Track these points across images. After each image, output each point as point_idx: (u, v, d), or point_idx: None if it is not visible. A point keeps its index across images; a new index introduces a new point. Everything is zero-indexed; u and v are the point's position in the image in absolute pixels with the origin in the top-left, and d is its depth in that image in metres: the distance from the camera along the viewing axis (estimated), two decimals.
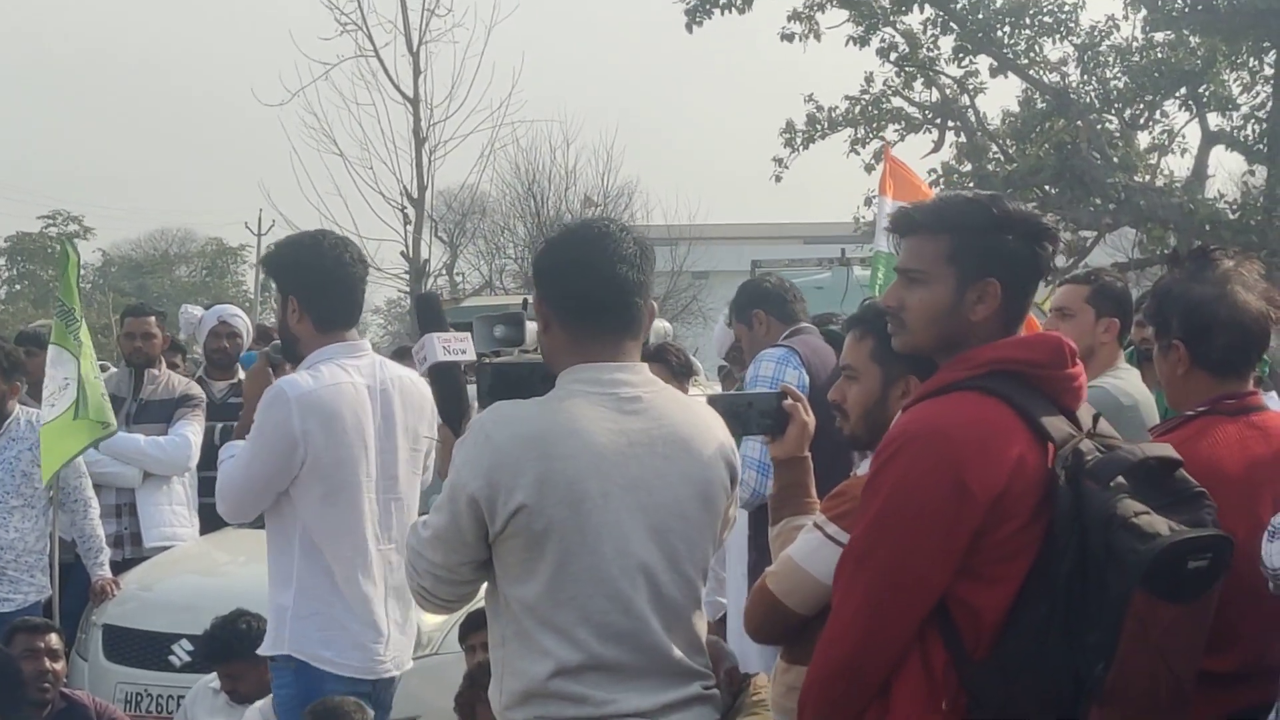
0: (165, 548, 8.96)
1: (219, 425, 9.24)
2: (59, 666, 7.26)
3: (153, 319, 9.56)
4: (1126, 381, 5.70)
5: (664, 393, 3.88)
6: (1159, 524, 3.33)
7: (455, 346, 4.22)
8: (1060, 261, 24.70)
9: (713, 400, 4.17)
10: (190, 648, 7.74)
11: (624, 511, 3.68)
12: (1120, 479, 3.37)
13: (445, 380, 4.23)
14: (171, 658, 7.87)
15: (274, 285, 5.64)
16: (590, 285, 3.77)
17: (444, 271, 41.53)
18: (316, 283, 5.50)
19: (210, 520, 8.90)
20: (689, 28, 25.85)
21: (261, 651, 5.58)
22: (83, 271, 42.05)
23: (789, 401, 4.21)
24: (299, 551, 5.42)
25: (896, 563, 3.41)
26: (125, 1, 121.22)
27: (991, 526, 3.37)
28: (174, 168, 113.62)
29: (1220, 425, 4.04)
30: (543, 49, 72.21)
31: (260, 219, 53.91)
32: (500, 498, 3.62)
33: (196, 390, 9.37)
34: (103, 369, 9.43)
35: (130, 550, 8.98)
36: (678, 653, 3.75)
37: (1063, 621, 3.33)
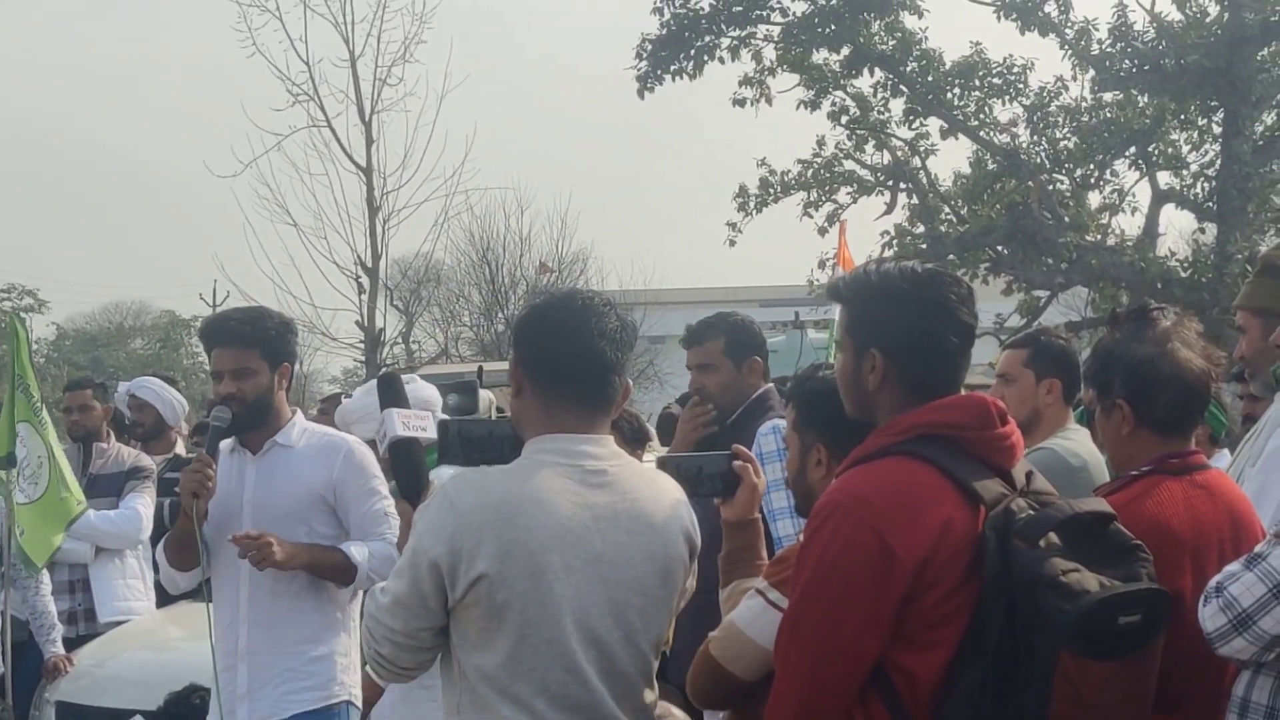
0: (120, 622, 8.91)
1: (167, 501, 9.18)
2: None
3: (89, 391, 9.56)
4: (1075, 442, 5.70)
5: (629, 467, 3.89)
6: (1089, 581, 3.35)
7: (415, 423, 4.25)
8: (1015, 321, 24.83)
9: (662, 462, 4.19)
10: None
11: (584, 585, 3.69)
12: (1052, 536, 3.39)
13: (404, 456, 4.25)
14: None
15: (253, 353, 5.68)
16: (569, 355, 3.79)
17: (400, 340, 41.50)
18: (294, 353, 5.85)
19: (164, 594, 8.86)
20: (640, 94, 25.97)
21: (311, 706, 5.66)
22: (35, 345, 41.85)
23: (739, 463, 4.23)
24: (348, 597, 5.73)
25: (827, 631, 3.42)
26: (76, 76, 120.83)
27: (920, 592, 3.38)
28: (128, 241, 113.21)
29: (1165, 485, 4.06)
30: (495, 117, 72.69)
31: (215, 290, 53.73)
32: (462, 565, 3.62)
33: (146, 461, 9.33)
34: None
35: (84, 626, 8.93)
36: None
37: (995, 685, 3.34)
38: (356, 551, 5.61)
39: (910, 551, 3.37)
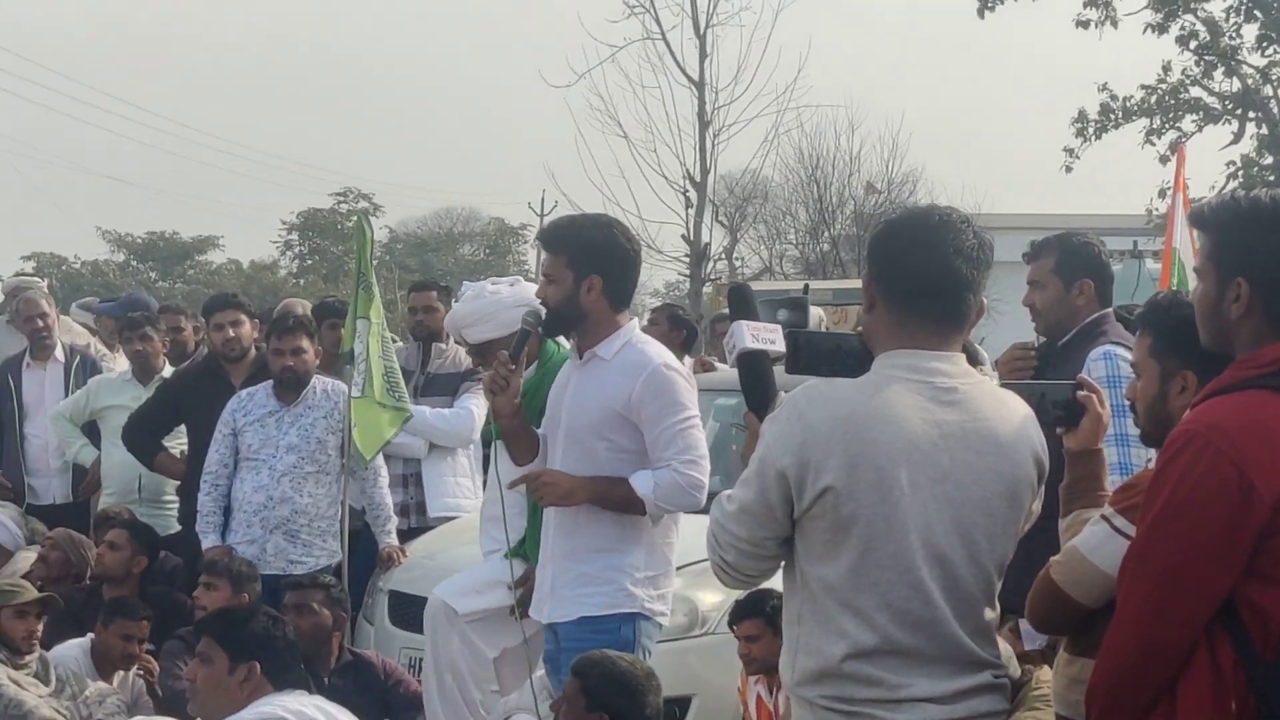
0: (449, 518, 9.15)
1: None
2: (339, 614, 7.52)
3: (434, 293, 9.77)
4: None
5: (980, 385, 3.85)
6: None
7: (765, 336, 4.25)
8: None
9: (1006, 387, 4.13)
10: None
11: (931, 502, 3.67)
12: None
13: (753, 368, 4.25)
14: None
15: (560, 260, 5.72)
16: (924, 271, 3.75)
17: (723, 256, 41.67)
18: (622, 264, 5.77)
19: None
20: (980, 13, 25.63)
21: (591, 611, 5.76)
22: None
23: (1083, 393, 4.15)
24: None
25: (1177, 563, 3.37)
26: None
27: (1278, 527, 3.30)
28: (461, 150, 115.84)
29: None
30: (829, 34, 72.19)
31: (543, 199, 54.71)
32: (809, 476, 3.63)
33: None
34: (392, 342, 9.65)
35: (415, 519, 9.19)
36: (970, 642, 3.73)
37: None
38: (641, 484, 5.64)
39: (1270, 486, 3.29)
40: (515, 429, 5.81)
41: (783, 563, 3.85)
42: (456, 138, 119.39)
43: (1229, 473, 3.31)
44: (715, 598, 7.46)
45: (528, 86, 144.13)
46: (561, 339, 6.57)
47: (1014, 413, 3.87)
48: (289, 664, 5.55)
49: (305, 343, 8.42)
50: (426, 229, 76.21)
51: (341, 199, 69.23)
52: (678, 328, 11.20)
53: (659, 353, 5.75)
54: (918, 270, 3.75)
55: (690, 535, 5.89)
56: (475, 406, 9.15)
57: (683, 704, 7.33)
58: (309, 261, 69.36)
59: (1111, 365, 5.95)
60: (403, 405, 8.58)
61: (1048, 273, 6.38)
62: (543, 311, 5.77)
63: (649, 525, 5.74)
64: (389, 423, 8.46)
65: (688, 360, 11.23)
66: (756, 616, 6.57)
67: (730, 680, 7.15)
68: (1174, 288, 9.16)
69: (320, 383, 8.56)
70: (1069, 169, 28.00)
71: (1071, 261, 6.35)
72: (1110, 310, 6.37)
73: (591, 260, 5.70)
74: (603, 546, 5.73)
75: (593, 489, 5.67)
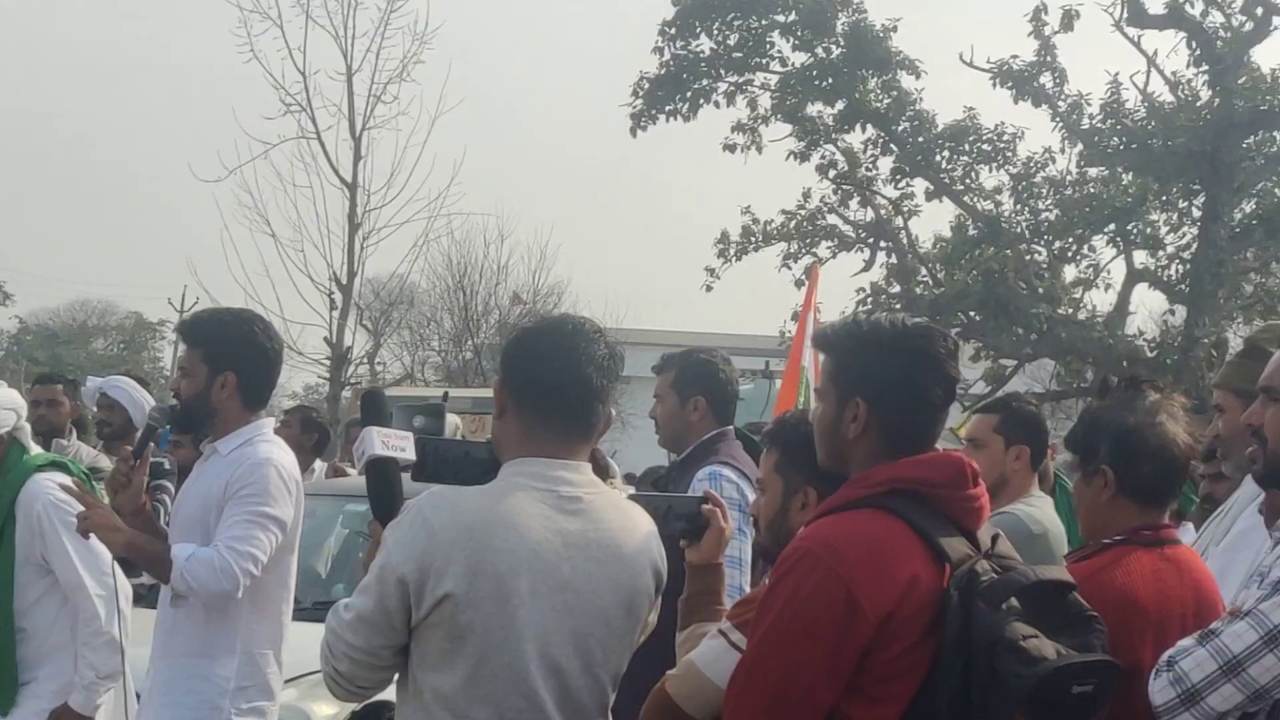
0: None
1: None
2: None
3: (59, 387, 9.50)
4: (1038, 509, 5.72)
5: (604, 495, 3.87)
6: (1046, 648, 3.35)
7: (395, 443, 4.19)
8: (980, 389, 24.93)
9: (633, 499, 4.17)
10: None
11: (549, 612, 3.66)
12: (1013, 601, 3.40)
13: (380, 474, 4.19)
14: None
15: (195, 354, 5.57)
16: (554, 379, 3.78)
17: (365, 360, 41.38)
18: (259, 362, 5.62)
19: None
20: (633, 131, 26.10)
21: None
22: None
23: (708, 507, 4.22)
24: (245, 621, 5.46)
25: (785, 677, 3.41)
26: (65, 71, 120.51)
27: (881, 645, 3.37)
28: (101, 239, 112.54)
29: (1136, 555, 4.06)
30: (484, 143, 72.47)
31: (184, 295, 53.58)
32: (429, 583, 3.58)
33: (104, 463, 9.24)
34: None
35: None
36: None
37: None
38: (180, 550, 5.39)
39: (875, 605, 3.36)
40: (135, 534, 5.50)
41: (396, 674, 3.80)
42: (96, 227, 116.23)
43: (837, 591, 3.37)
44: (330, 709, 7.29)
45: (176, 179, 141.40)
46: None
47: (636, 524, 3.91)
48: None
49: None
50: (59, 320, 73.90)
51: None
52: (309, 430, 11.04)
53: (273, 451, 5.55)
54: (548, 378, 3.78)
55: (304, 645, 5.78)
56: None
57: None
58: None
59: (715, 485, 6.03)
60: None
61: (667, 387, 6.49)
62: (169, 409, 5.62)
63: (245, 631, 5.47)
64: None
65: (320, 464, 11.09)
66: None
67: None
68: (799, 407, 9.40)
69: None
70: (709, 288, 28.56)
71: (687, 377, 6.47)
72: (730, 428, 6.49)
73: (228, 356, 5.55)
74: (194, 651, 5.45)
75: (131, 538, 5.43)
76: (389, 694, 3.92)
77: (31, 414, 9.26)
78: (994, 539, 3.62)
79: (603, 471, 7.88)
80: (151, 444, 5.60)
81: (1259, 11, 24.70)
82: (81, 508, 5.47)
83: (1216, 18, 25.08)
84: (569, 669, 3.70)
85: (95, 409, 9.92)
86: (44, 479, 6.04)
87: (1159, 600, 3.98)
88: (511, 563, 3.62)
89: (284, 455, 5.57)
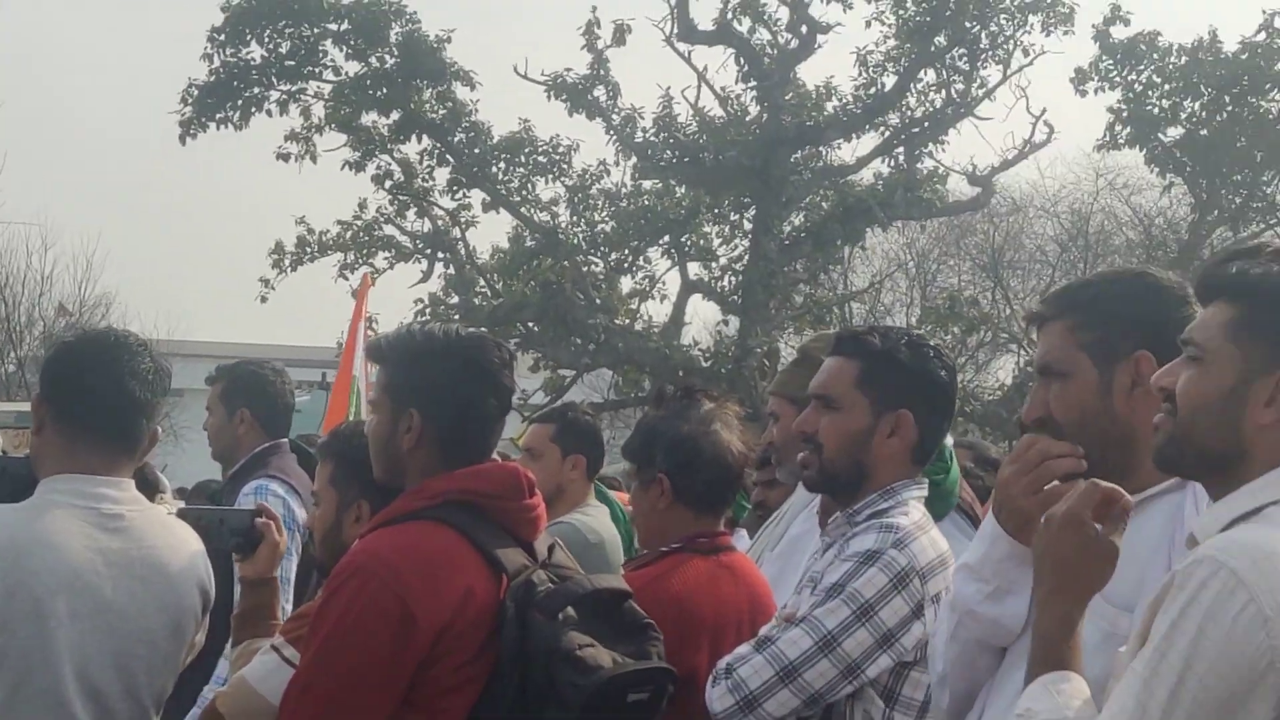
0: None
1: None
2: None
3: None
4: (594, 519, 5.78)
5: (148, 513, 3.76)
6: (603, 656, 3.39)
7: None
8: (540, 399, 25.17)
9: (183, 513, 4.09)
10: None
11: (90, 634, 3.53)
12: (570, 610, 3.41)
13: None
14: None
15: None
16: (95, 394, 3.65)
17: None
18: None
19: None
20: (182, 139, 25.50)
21: None
22: None
23: (261, 520, 4.14)
24: None
25: (339, 693, 3.37)
26: None
27: (437, 659, 3.36)
28: None
29: (692, 562, 4.14)
30: (26, 148, 69.76)
31: None
32: None
33: None
34: None
35: None
36: None
37: None
38: None
39: (431, 619, 3.34)
40: None
41: None
42: None
43: (392, 605, 3.34)
44: None
45: None
46: None
47: (183, 542, 3.80)
48: None
49: None
50: None
51: None
52: None
53: None
54: (89, 392, 3.65)
55: None
56: None
57: None
58: None
59: (260, 500, 5.93)
60: None
61: (216, 399, 6.33)
62: None
63: None
64: None
65: None
66: None
67: None
68: (351, 418, 9.31)
69: None
70: (264, 299, 28.09)
71: (235, 389, 6.32)
72: (284, 441, 6.36)
73: None
74: None
75: None
76: None
77: None
78: (551, 549, 3.64)
79: (151, 487, 7.66)
80: None
81: (804, 30, 25.59)
82: None
83: (764, 35, 25.88)
84: (109, 692, 3.57)
85: None
86: None
87: (715, 606, 4.05)
88: (49, 583, 3.47)
89: None
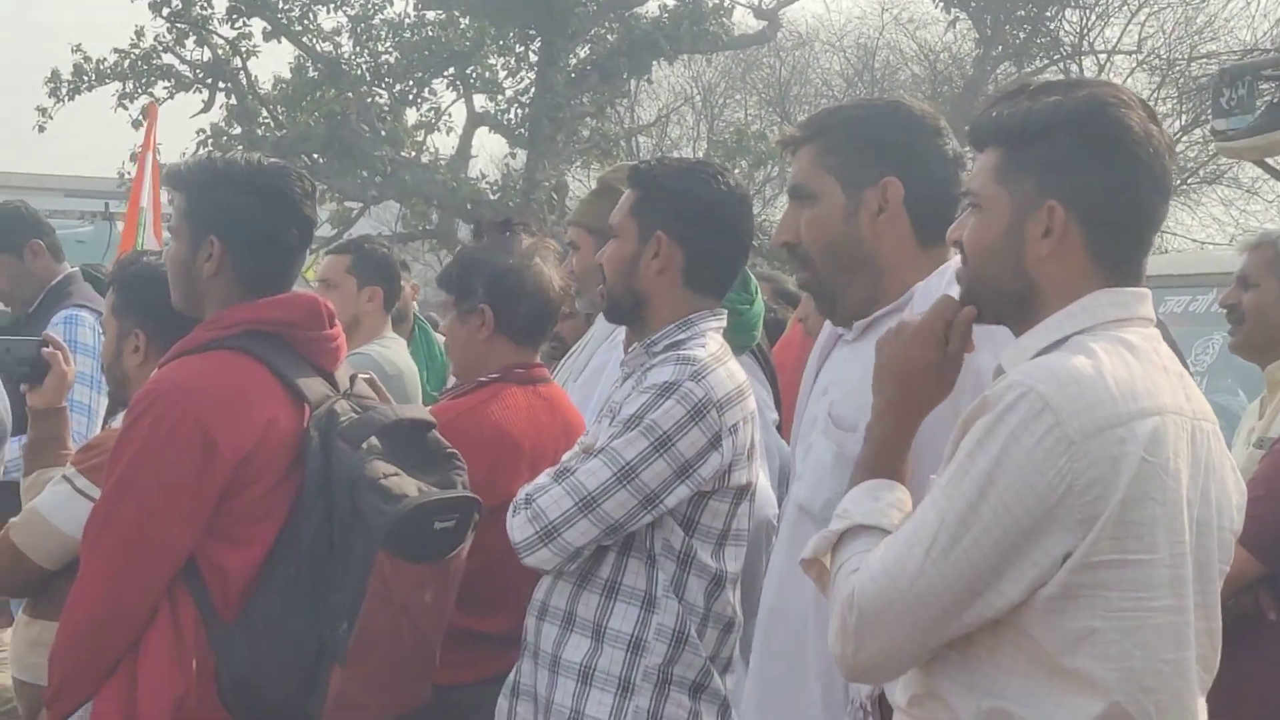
0: None
1: None
2: None
3: None
4: (392, 350, 5.79)
5: None
6: (408, 485, 3.42)
7: None
8: (326, 231, 24.92)
9: None
10: None
11: None
12: (374, 440, 3.44)
13: None
14: None
15: None
16: None
17: None
18: None
19: None
20: None
21: None
22: None
23: (49, 350, 4.10)
24: None
25: (142, 522, 3.37)
26: None
27: (240, 487, 3.39)
28: None
29: (510, 392, 4.19)
30: None
31: None
32: None
33: None
34: None
35: None
36: None
37: (308, 583, 3.38)
38: None
39: (234, 446, 3.36)
40: None
41: None
42: None
43: (194, 433, 3.35)
44: None
45: None
46: None
47: None
48: None
49: None
50: None
51: None
52: None
53: None
54: None
55: None
56: None
57: None
58: None
59: (72, 329, 5.86)
60: None
61: None
62: None
63: None
64: None
65: None
66: None
67: None
68: (140, 248, 9.19)
69: None
70: (42, 129, 27.36)
71: (14, 226, 6.19)
72: (74, 270, 6.27)
73: None
74: None
75: None
76: None
77: None
78: (352, 379, 3.65)
79: None
80: None
81: None
82: None
83: None
84: None
85: None
86: None
87: (533, 436, 4.11)
88: None
89: None
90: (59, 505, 3.79)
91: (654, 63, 26.62)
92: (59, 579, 3.73)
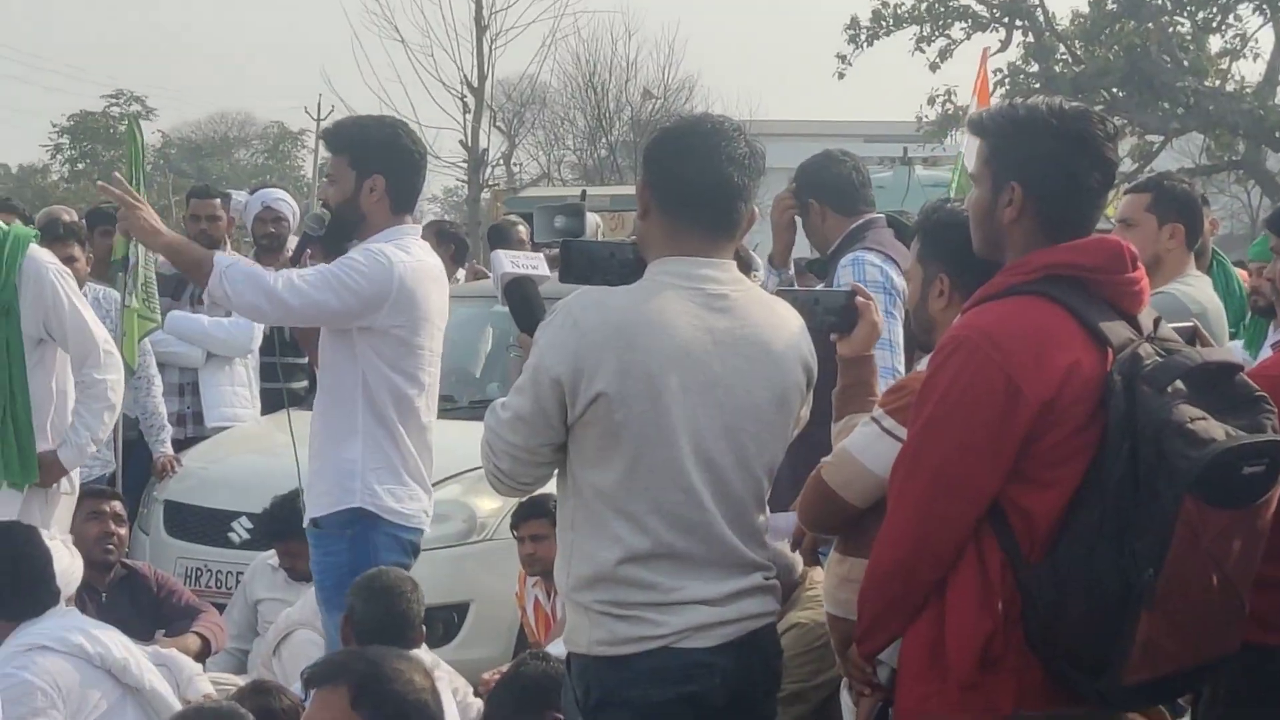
0: (226, 428, 9.03)
1: None
2: (122, 532, 7.35)
3: (218, 201, 9.57)
4: (1195, 289, 5.62)
5: (750, 293, 3.88)
6: (1215, 429, 3.32)
7: (524, 262, 4.22)
8: (1126, 166, 24.51)
9: (780, 293, 4.17)
10: (249, 525, 7.83)
11: (701, 408, 3.70)
12: (1178, 384, 3.36)
13: (517, 292, 4.22)
14: (231, 534, 7.97)
15: (341, 159, 5.54)
16: (696, 179, 3.77)
17: (501, 161, 41.44)
18: (406, 164, 5.57)
19: (271, 403, 8.99)
20: None
21: (318, 512, 5.50)
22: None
23: (859, 299, 4.22)
24: (363, 406, 5.43)
25: (948, 464, 3.44)
26: None
27: (1043, 431, 3.38)
28: (236, 48, 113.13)
29: None
30: None
31: (320, 104, 53.74)
32: (583, 383, 3.63)
33: None
34: None
35: (192, 429, 9.05)
36: (741, 545, 3.77)
37: (1112, 528, 3.34)
38: (222, 257, 5.44)
39: (1036, 391, 3.36)
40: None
41: (556, 470, 3.86)
42: (230, 37, 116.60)
43: (997, 377, 3.37)
44: (493, 504, 7.45)
45: None
46: None
47: (784, 320, 3.91)
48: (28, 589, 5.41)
49: (76, 250, 8.10)
50: (201, 133, 74.30)
51: (113, 101, 67.00)
52: (446, 242, 11.01)
53: (411, 242, 5.55)
54: (690, 178, 3.77)
55: (462, 443, 5.81)
56: None
57: (461, 610, 7.35)
58: (80, 166, 67.22)
59: (858, 270, 6.04)
60: (153, 315, 8.48)
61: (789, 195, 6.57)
62: (326, 215, 5.58)
63: (366, 415, 5.44)
64: (138, 331, 8.35)
65: (461, 272, 11.14)
66: (541, 517, 6.56)
67: (508, 586, 7.18)
68: (953, 194, 9.32)
69: (91, 290, 8.31)
70: (841, 75, 28.14)
71: (803, 184, 6.53)
72: (879, 215, 6.46)
73: (374, 160, 5.48)
74: (328, 439, 5.51)
75: (173, 239, 5.59)
76: (550, 488, 4.00)
77: (192, 228, 9.40)
78: (1156, 322, 3.58)
79: (746, 267, 7.85)
80: (308, 251, 5.63)
81: None
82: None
83: None
84: (723, 463, 3.74)
85: (251, 222, 9.99)
86: (39, 250, 6.49)
87: None
88: (661, 361, 3.66)
89: (411, 258, 5.47)
90: (867, 445, 3.89)
91: None
92: (868, 517, 3.83)
